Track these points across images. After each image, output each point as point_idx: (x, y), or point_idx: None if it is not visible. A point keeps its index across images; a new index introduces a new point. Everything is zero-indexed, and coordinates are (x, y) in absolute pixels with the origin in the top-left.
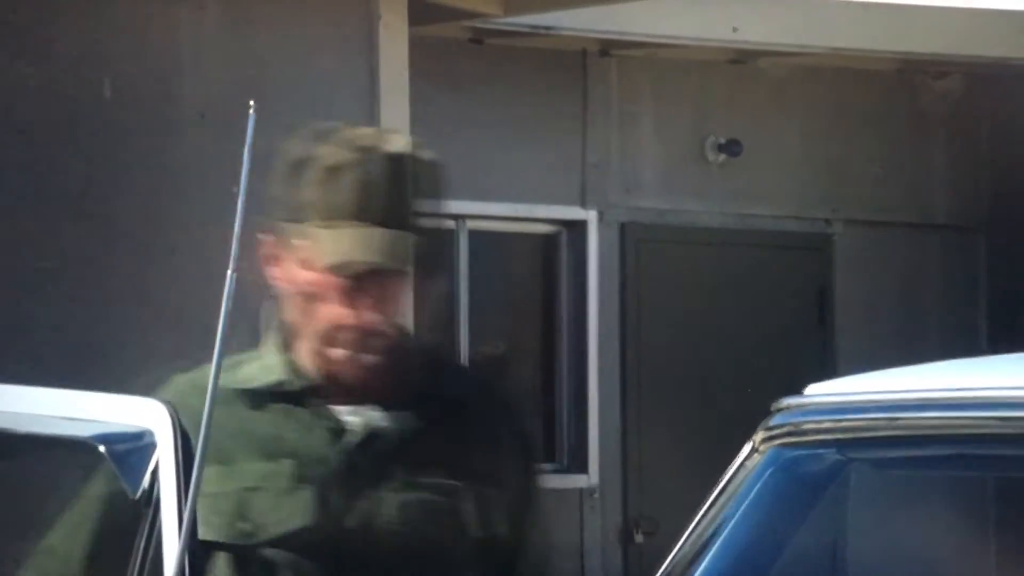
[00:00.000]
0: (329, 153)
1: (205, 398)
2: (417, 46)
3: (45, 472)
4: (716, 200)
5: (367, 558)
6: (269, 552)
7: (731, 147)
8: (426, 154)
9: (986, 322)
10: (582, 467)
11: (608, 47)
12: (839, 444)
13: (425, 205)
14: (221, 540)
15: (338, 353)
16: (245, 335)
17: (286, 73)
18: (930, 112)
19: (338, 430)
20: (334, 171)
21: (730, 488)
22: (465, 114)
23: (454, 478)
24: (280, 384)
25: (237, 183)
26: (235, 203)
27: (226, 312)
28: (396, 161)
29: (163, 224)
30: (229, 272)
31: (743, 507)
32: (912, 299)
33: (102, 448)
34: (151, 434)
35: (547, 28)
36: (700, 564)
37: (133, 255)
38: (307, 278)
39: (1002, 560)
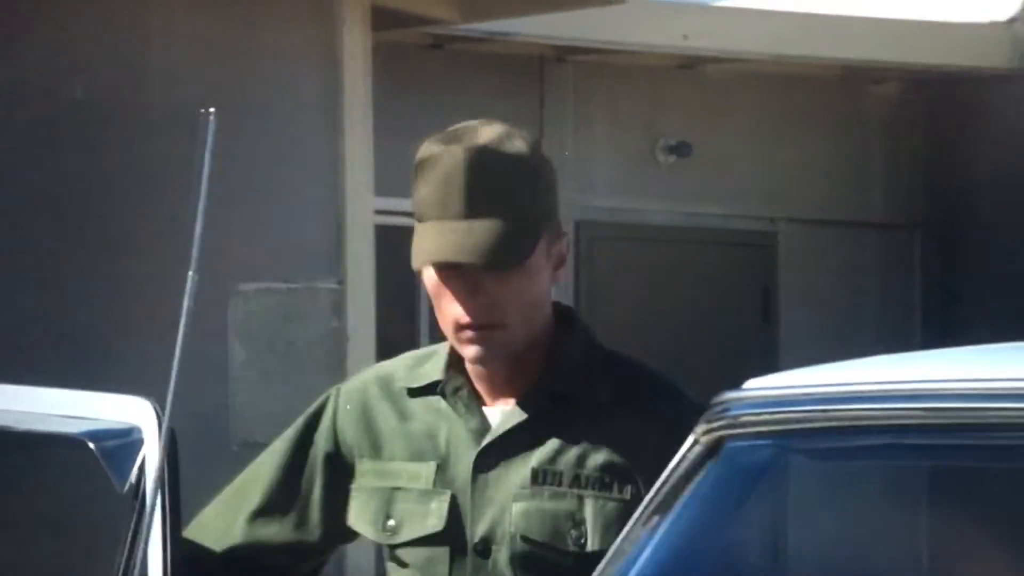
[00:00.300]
0: (420, 149)
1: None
2: (380, 51)
3: (37, 468)
4: (666, 199)
5: (487, 567)
6: (404, 552)
7: (681, 149)
8: (517, 145)
9: (921, 315)
10: None
11: (563, 53)
12: (776, 436)
13: (516, 196)
14: (371, 536)
15: (456, 349)
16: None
17: (252, 76)
18: (868, 116)
19: (481, 432)
20: (421, 167)
21: (671, 480)
22: (426, 117)
23: (579, 485)
24: (438, 384)
25: (206, 191)
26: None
27: (187, 311)
28: (477, 153)
29: (137, 222)
30: (190, 272)
31: (683, 498)
32: (852, 294)
33: (91, 444)
34: (138, 431)
35: (505, 34)
36: (643, 552)
37: (107, 252)
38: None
39: (933, 544)
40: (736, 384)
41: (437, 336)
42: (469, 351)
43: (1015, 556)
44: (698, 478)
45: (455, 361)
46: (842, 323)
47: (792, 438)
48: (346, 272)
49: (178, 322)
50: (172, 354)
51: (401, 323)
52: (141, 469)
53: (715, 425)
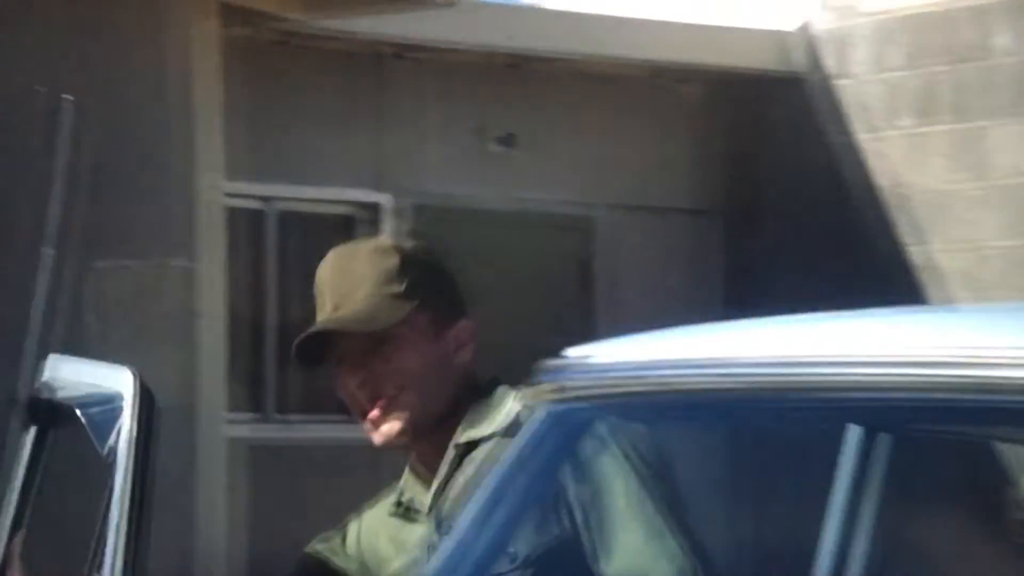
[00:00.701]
0: None
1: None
2: (232, 45)
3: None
4: (495, 186)
5: None
6: None
7: (508, 140)
8: (375, 241)
9: (723, 292)
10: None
11: (400, 50)
12: (594, 401)
13: (369, 279)
14: None
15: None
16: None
17: (108, 71)
18: (676, 113)
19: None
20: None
21: (497, 449)
22: (275, 108)
23: None
24: (406, 482)
25: (64, 172)
26: (64, 190)
27: (45, 288)
28: (333, 256)
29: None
30: (47, 249)
31: (507, 465)
32: (662, 274)
33: (78, 411)
34: (120, 398)
35: (345, 32)
36: (469, 520)
37: None
38: None
39: (736, 496)
40: (558, 354)
41: (286, 312)
42: (376, 437)
43: (814, 508)
44: (521, 445)
45: (412, 464)
46: (653, 299)
47: (608, 404)
48: (198, 251)
49: (34, 298)
50: (30, 329)
51: (251, 301)
52: (119, 434)
53: (537, 392)
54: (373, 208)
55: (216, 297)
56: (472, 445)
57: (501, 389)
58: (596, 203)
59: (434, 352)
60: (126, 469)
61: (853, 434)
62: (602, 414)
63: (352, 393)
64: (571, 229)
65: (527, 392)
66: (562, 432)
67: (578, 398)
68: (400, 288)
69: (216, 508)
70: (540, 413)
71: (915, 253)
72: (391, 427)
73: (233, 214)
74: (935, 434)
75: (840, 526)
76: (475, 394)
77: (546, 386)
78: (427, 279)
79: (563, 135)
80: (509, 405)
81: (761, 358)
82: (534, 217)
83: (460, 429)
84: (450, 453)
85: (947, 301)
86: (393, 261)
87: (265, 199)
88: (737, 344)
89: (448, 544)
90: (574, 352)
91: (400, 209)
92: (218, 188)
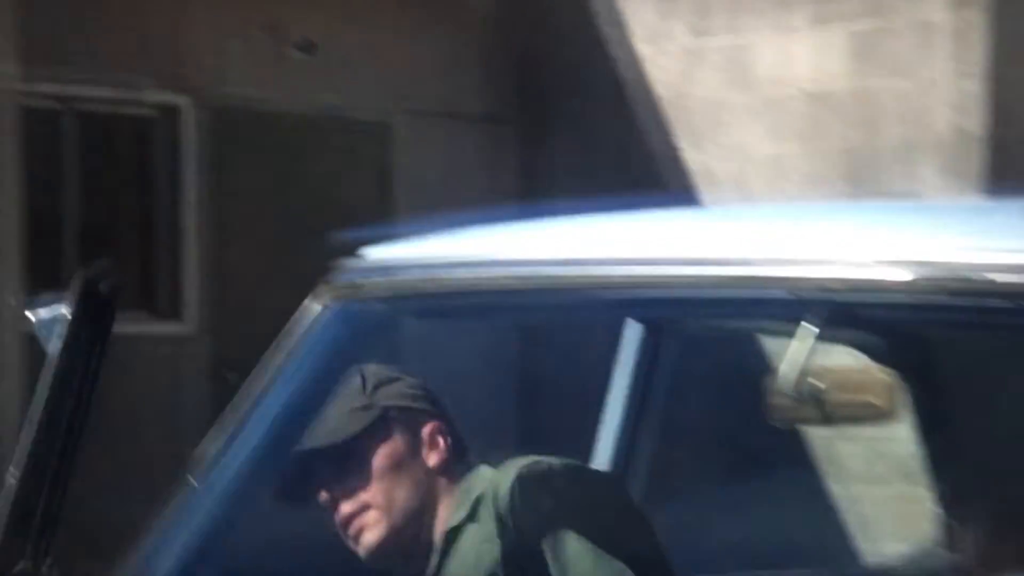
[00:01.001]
0: None
1: None
2: None
3: None
4: (294, 91)
5: None
6: None
7: (306, 46)
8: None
9: (516, 196)
10: (177, 315)
11: None
12: (389, 299)
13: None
14: None
15: None
16: None
17: None
18: (467, 21)
19: None
20: None
21: (289, 341)
22: (71, 6)
23: None
24: None
25: None
26: None
27: None
28: None
29: None
30: None
31: (300, 361)
32: (457, 179)
33: (31, 315)
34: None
35: None
36: (255, 412)
37: None
38: None
39: (522, 387)
40: (354, 254)
41: (86, 213)
42: (360, 551)
43: (598, 400)
44: (315, 341)
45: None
46: (449, 203)
47: (403, 301)
48: None
49: None
50: None
51: (49, 202)
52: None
53: (333, 290)
54: (172, 110)
55: (11, 197)
56: (456, 531)
57: (476, 472)
58: (393, 110)
59: (403, 458)
60: (57, 370)
61: (632, 329)
62: (395, 312)
63: (332, 512)
64: (369, 134)
65: (320, 290)
66: (354, 329)
67: (372, 297)
68: (362, 402)
69: (12, 404)
70: (333, 311)
71: (691, 160)
72: (369, 539)
73: (29, 113)
74: (707, 328)
75: (622, 417)
76: (451, 483)
77: (340, 285)
78: (388, 391)
79: (360, 42)
80: (479, 488)
81: (547, 257)
82: (333, 122)
83: (443, 519)
84: (438, 543)
85: (719, 203)
86: (355, 381)
87: (62, 99)
88: (524, 244)
89: (239, 442)
90: (369, 252)
91: (200, 112)
92: (12, 87)
